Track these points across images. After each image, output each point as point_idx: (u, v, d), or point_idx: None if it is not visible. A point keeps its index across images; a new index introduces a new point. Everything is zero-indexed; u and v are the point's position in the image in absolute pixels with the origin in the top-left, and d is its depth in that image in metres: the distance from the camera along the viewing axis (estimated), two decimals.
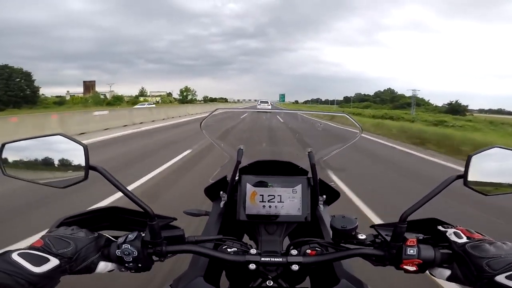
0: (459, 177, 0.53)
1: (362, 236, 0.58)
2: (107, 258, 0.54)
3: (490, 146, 0.54)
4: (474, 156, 0.52)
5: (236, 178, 0.80)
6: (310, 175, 0.81)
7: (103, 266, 0.53)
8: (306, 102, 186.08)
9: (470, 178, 0.52)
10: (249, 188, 0.78)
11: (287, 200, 0.76)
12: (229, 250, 0.63)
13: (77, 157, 0.50)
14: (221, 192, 0.86)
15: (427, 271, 0.56)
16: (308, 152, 0.76)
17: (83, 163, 0.50)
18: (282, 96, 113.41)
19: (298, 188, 0.78)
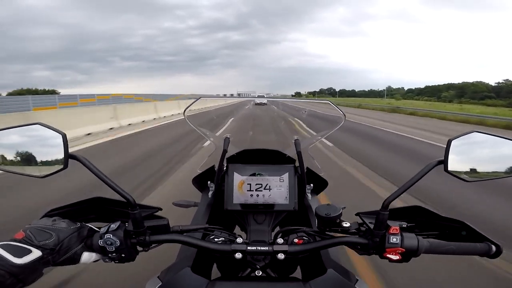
0: (439, 162, 0.53)
1: (346, 224, 0.58)
2: (90, 249, 0.54)
3: (469, 131, 0.53)
4: (453, 141, 0.52)
5: (224, 168, 0.80)
6: (297, 164, 0.81)
7: (87, 256, 0.53)
8: (313, 93, 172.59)
9: (451, 163, 0.52)
10: (237, 177, 0.78)
11: (275, 189, 0.76)
12: (216, 240, 0.63)
13: (56, 146, 0.49)
14: (209, 182, 0.86)
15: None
16: (294, 140, 0.76)
17: (62, 152, 0.49)
18: None
19: (285, 176, 0.77)
